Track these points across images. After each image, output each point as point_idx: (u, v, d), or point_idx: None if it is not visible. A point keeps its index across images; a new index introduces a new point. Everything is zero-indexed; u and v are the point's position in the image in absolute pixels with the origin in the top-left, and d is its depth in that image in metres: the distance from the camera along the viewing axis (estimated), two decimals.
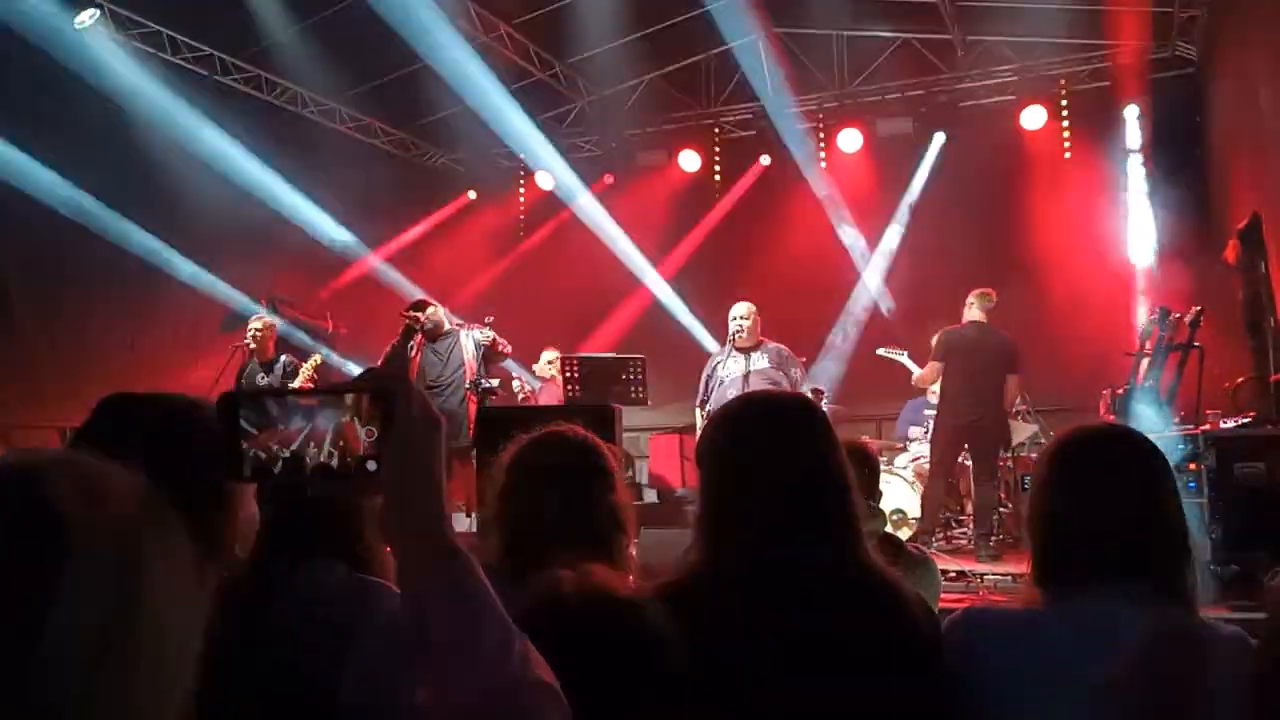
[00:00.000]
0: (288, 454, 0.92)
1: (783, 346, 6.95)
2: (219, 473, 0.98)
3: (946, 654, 1.57)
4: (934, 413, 8.24)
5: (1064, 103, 10.17)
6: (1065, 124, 10.18)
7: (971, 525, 7.18)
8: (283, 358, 7.85)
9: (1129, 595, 1.53)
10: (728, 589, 1.52)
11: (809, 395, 6.34)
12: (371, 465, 0.91)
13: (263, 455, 0.93)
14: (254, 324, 7.88)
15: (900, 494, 7.38)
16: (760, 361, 6.79)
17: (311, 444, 0.92)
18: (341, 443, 0.92)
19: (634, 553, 1.86)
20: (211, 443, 1.44)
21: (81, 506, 0.68)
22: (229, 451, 0.93)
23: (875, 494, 3.14)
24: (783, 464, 1.59)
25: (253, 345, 7.79)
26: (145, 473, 1.08)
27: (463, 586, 0.90)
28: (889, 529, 6.21)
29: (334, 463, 0.92)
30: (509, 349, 7.60)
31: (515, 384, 8.98)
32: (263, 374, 7.74)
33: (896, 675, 1.51)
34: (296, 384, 7.58)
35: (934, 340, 7.19)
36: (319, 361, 7.80)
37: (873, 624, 1.52)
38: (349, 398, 0.93)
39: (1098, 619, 1.52)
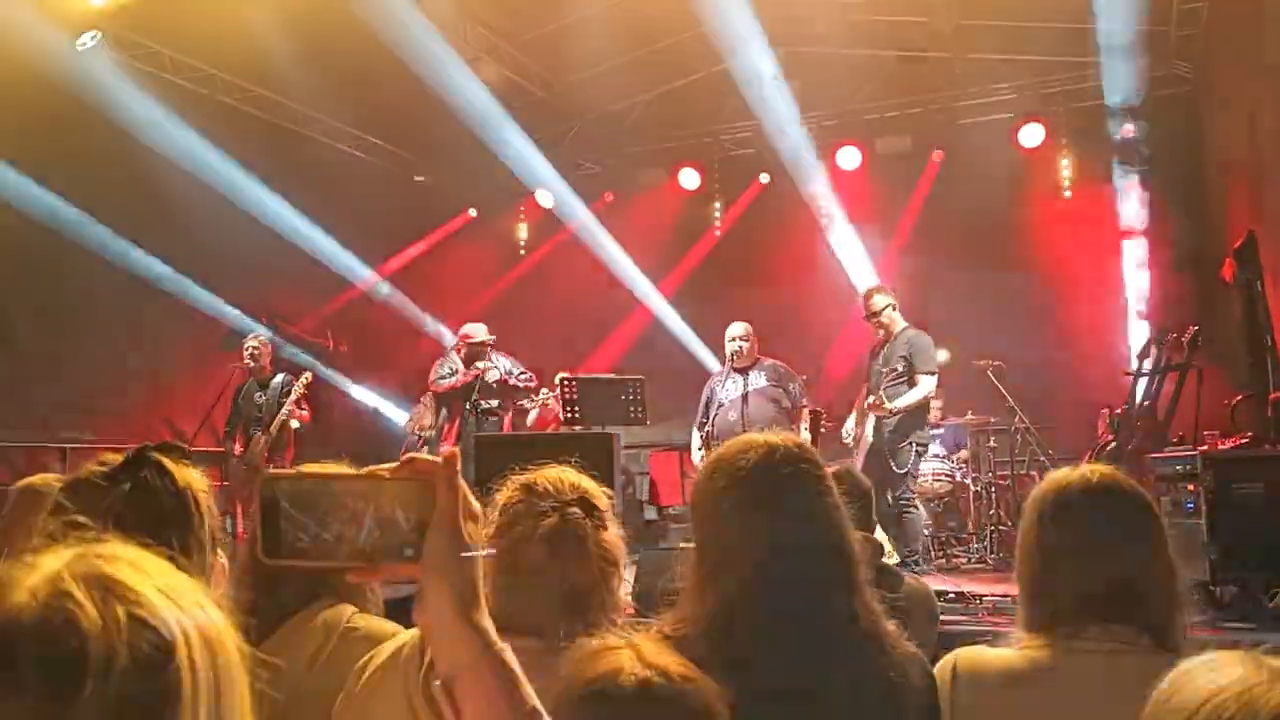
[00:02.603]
0: (327, 537, 0.91)
1: (779, 363, 6.95)
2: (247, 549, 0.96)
3: (941, 704, 1.57)
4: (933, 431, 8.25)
5: (1061, 120, 10.19)
6: (1063, 142, 10.20)
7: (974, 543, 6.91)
8: (280, 376, 7.84)
9: (1119, 642, 1.53)
10: (723, 641, 1.51)
11: (807, 417, 6.40)
12: (409, 552, 0.90)
13: (301, 537, 0.91)
14: (250, 342, 7.86)
15: None
16: (758, 380, 6.79)
17: (351, 527, 0.91)
18: (381, 528, 0.91)
19: (626, 587, 1.88)
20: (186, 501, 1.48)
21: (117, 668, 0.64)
22: (268, 533, 0.91)
23: (870, 525, 3.15)
24: (777, 515, 1.58)
25: (250, 363, 7.79)
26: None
27: (496, 680, 0.89)
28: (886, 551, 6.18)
29: (372, 548, 0.91)
30: (531, 384, 7.66)
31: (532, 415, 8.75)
32: (260, 392, 7.73)
33: None
34: (292, 400, 7.61)
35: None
36: (309, 379, 7.79)
37: (866, 679, 1.52)
38: (391, 483, 0.92)
39: (1088, 665, 1.53)
